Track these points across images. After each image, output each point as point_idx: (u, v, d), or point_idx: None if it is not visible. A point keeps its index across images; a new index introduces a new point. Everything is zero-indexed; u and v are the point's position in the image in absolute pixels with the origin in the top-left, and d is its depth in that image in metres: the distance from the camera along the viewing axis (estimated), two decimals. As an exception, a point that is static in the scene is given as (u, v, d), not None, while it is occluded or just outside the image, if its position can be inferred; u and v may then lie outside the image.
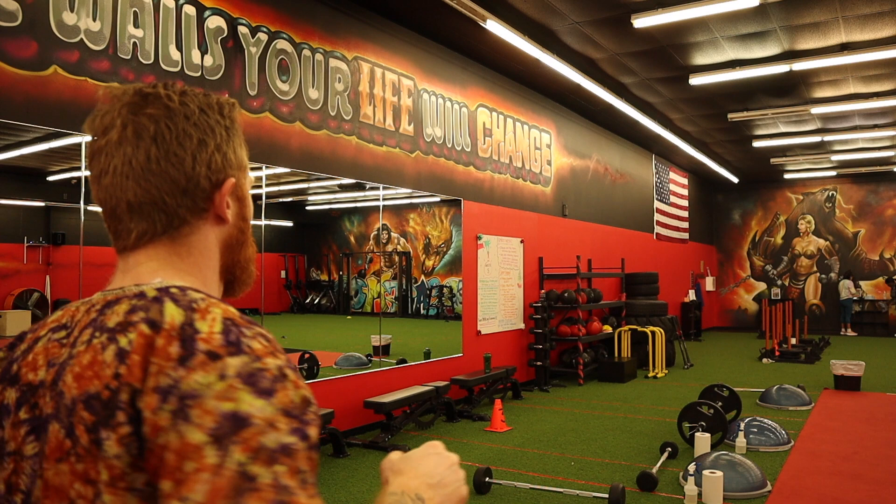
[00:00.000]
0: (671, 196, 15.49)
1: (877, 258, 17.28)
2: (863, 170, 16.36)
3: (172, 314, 0.69)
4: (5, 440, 0.74)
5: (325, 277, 7.49)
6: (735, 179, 17.86)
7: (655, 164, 14.60)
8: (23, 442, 0.72)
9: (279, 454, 0.62)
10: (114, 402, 0.65)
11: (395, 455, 0.84)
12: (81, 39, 4.35)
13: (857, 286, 16.97)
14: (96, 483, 0.65)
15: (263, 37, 5.66)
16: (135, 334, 0.68)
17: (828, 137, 12.79)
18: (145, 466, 0.64)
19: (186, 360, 0.64)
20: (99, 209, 0.83)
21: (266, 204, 5.72)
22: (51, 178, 4.67)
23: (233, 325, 0.69)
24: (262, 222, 5.73)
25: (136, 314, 0.70)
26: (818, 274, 18.03)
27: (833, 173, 16.99)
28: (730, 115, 11.04)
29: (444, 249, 8.16)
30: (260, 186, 5.65)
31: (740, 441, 5.84)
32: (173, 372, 0.64)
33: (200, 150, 0.80)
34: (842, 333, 16.95)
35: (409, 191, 7.38)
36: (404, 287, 7.97)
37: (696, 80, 9.03)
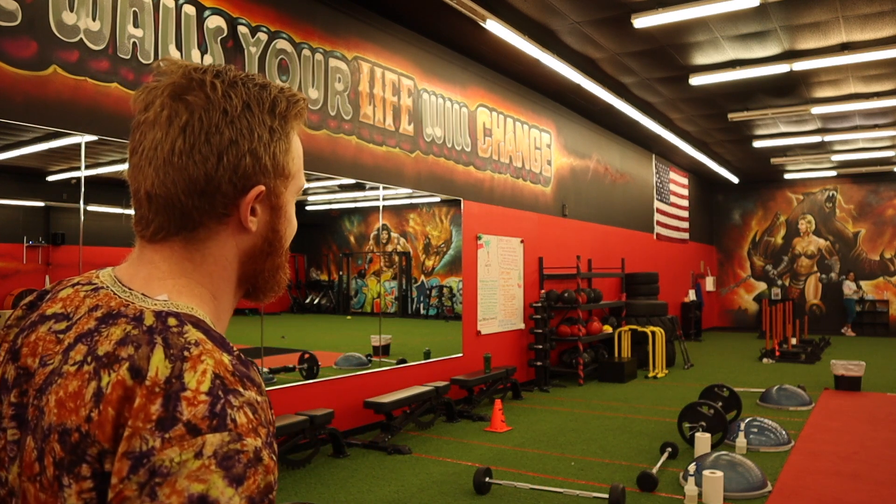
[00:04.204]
0: (671, 196, 15.48)
1: (877, 258, 17.28)
2: (863, 170, 16.35)
3: (158, 365, 0.64)
4: (1, 416, 0.73)
5: (324, 277, 7.48)
6: (735, 179, 17.86)
7: (655, 164, 14.60)
8: (8, 424, 0.72)
9: None
10: (81, 451, 0.63)
11: None
12: (81, 39, 4.35)
13: (857, 286, 16.98)
14: None
15: (263, 37, 5.65)
16: (115, 378, 0.65)
17: (828, 137, 12.78)
18: None
19: (165, 427, 0.61)
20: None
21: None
22: (50, 178, 4.66)
23: (222, 386, 0.64)
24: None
25: (126, 348, 0.66)
26: (818, 274, 18.03)
27: (833, 173, 16.99)
28: (730, 115, 11.03)
29: (444, 249, 8.15)
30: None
31: (740, 441, 5.84)
32: (149, 437, 0.61)
33: (229, 150, 0.73)
34: (842, 332, 16.96)
35: (409, 191, 7.38)
36: (404, 287, 7.96)
37: (696, 80, 9.03)
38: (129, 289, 0.75)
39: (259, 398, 0.67)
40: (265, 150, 0.76)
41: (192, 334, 0.68)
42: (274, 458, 0.65)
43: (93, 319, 0.72)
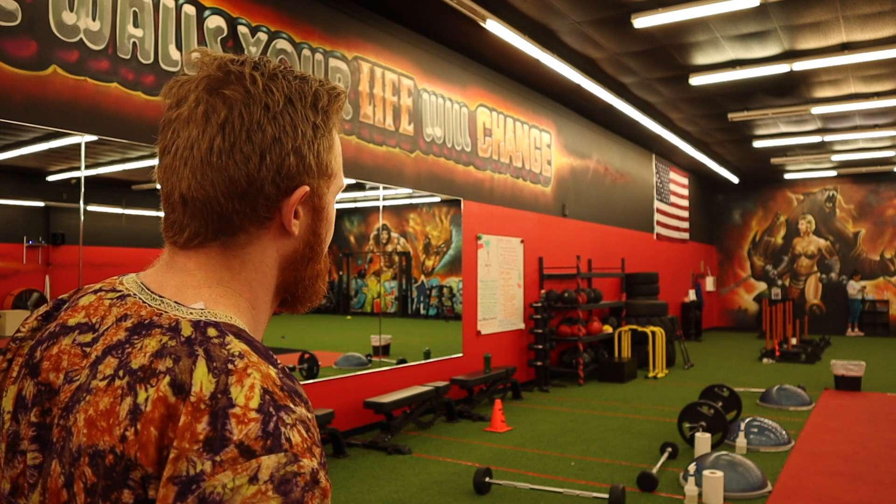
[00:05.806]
0: (671, 196, 15.48)
1: (877, 258, 17.28)
2: (863, 170, 16.36)
3: (202, 380, 0.59)
4: (20, 437, 0.68)
5: (325, 277, 7.48)
6: (735, 179, 17.86)
7: (655, 164, 14.60)
8: (28, 446, 0.67)
9: None
10: (119, 476, 0.58)
11: None
12: (81, 39, 4.35)
13: (862, 286, 16.98)
14: None
15: (263, 37, 5.65)
16: (154, 394, 0.59)
17: (828, 137, 12.78)
18: None
19: (214, 448, 0.56)
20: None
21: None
22: (50, 178, 4.66)
23: (272, 402, 0.59)
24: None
25: (164, 361, 0.61)
26: (819, 274, 18.02)
27: (833, 173, 16.99)
28: (730, 115, 11.03)
29: (444, 249, 8.15)
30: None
31: (741, 441, 5.84)
32: (197, 459, 0.56)
33: (272, 149, 0.68)
34: (847, 334, 16.95)
35: (409, 191, 7.38)
36: (404, 287, 7.96)
37: (696, 80, 9.03)
38: (160, 296, 0.69)
39: (309, 415, 0.62)
40: (309, 148, 0.71)
41: (235, 345, 0.63)
42: (329, 480, 0.61)
43: (122, 330, 0.66)
